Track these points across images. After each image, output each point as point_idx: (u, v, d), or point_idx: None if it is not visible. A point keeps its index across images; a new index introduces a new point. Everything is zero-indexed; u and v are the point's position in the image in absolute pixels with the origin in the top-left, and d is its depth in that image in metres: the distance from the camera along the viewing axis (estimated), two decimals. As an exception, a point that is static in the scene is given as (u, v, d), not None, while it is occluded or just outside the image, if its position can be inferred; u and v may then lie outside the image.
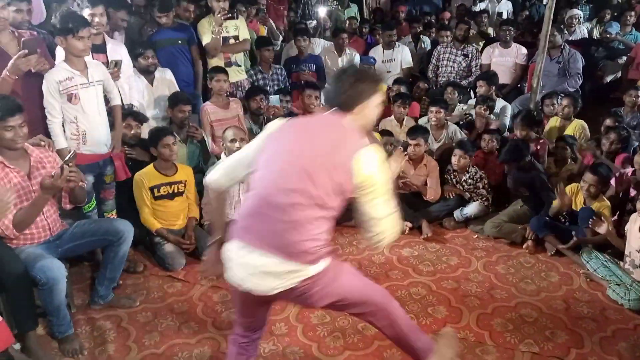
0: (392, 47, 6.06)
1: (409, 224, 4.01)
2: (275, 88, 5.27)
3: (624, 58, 6.10)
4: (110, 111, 3.42)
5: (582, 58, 5.57)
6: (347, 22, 6.96)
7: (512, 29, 5.93)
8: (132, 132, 3.73)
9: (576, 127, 4.59)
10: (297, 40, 5.56)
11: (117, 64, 3.60)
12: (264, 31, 6.02)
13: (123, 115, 3.61)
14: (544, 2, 4.29)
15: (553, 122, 4.71)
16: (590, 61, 6.13)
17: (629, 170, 3.71)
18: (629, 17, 6.70)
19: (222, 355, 2.69)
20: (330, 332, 2.86)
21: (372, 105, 2.03)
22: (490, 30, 7.11)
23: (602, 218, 3.34)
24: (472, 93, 5.90)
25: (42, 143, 2.93)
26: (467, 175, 4.19)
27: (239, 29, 4.99)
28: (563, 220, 3.75)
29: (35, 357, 2.62)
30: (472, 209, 4.05)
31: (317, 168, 1.85)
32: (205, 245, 3.60)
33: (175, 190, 3.66)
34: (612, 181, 3.71)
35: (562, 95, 4.91)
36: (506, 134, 4.81)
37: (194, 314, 3.05)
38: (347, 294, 2.04)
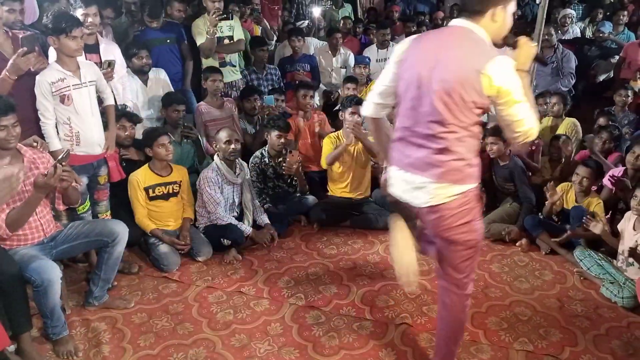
0: (386, 47, 6.06)
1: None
2: (270, 88, 5.26)
3: (617, 57, 6.13)
4: (104, 111, 3.40)
5: (575, 57, 5.60)
6: (341, 21, 6.97)
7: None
8: (127, 133, 3.71)
9: (568, 125, 4.62)
10: (292, 40, 5.56)
11: (111, 64, 3.58)
12: (258, 31, 6.02)
13: (117, 116, 3.59)
14: (537, 2, 4.30)
15: (546, 121, 4.74)
16: (583, 60, 6.17)
17: (620, 169, 3.73)
18: (621, 17, 6.75)
19: (217, 355, 2.69)
20: (326, 332, 2.86)
21: (506, 12, 2.01)
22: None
23: (597, 217, 3.36)
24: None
25: (35, 144, 2.91)
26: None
27: (233, 29, 4.99)
28: (556, 220, 3.77)
29: (30, 359, 2.61)
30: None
31: (449, 93, 1.94)
32: (199, 247, 3.61)
33: (170, 191, 3.66)
34: (607, 181, 3.73)
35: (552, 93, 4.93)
36: None
37: (189, 315, 3.04)
38: (472, 236, 2.12)
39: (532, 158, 4.27)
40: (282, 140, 4.10)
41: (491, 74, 1.89)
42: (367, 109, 2.31)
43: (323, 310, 3.05)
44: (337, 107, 5.01)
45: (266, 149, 4.19)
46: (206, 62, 4.77)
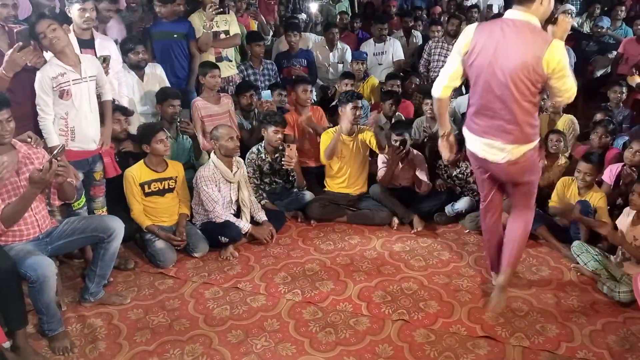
0: (384, 40, 6.06)
1: (396, 220, 4.03)
2: (267, 83, 5.25)
3: (614, 52, 6.12)
4: (101, 106, 3.37)
5: (573, 53, 5.58)
6: (338, 16, 6.94)
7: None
8: (122, 127, 3.69)
9: (566, 122, 4.61)
10: (288, 35, 5.54)
11: (106, 59, 3.55)
12: (254, 26, 5.99)
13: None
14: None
15: (544, 118, 4.72)
16: (581, 55, 6.16)
17: (618, 166, 3.73)
18: (619, 12, 6.74)
19: (214, 352, 2.69)
20: (322, 327, 2.86)
21: None
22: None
23: (602, 218, 3.34)
24: (463, 88, 5.90)
25: (29, 140, 2.89)
26: (458, 170, 4.20)
27: (229, 23, 4.99)
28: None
29: (25, 356, 2.60)
30: (463, 204, 4.05)
31: (514, 80, 2.47)
32: (196, 242, 3.60)
33: (166, 187, 3.64)
34: (606, 177, 3.73)
35: None
36: None
37: (186, 311, 3.04)
38: (537, 175, 2.87)
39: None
40: (280, 135, 4.08)
41: (550, 57, 2.41)
42: (438, 91, 2.76)
43: (320, 306, 3.05)
44: (334, 103, 5.00)
45: (262, 144, 4.18)
46: (202, 57, 4.75)
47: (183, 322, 2.93)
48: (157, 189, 3.61)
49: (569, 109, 4.82)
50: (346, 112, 4.07)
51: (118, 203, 3.59)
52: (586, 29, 7.25)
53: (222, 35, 4.92)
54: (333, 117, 4.79)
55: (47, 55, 3.18)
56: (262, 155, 4.16)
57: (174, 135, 4.12)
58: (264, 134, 4.14)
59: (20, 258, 2.59)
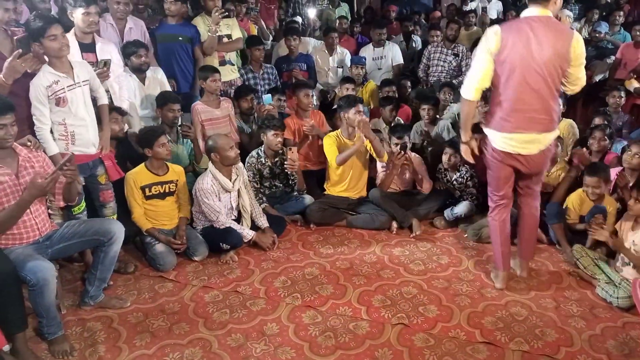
0: (383, 45, 6.08)
1: (395, 225, 4.04)
2: (266, 87, 5.27)
3: (613, 58, 6.14)
4: (97, 111, 3.36)
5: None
6: (338, 21, 6.97)
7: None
8: (120, 126, 3.70)
9: (565, 127, 4.62)
10: (287, 39, 5.56)
11: (107, 63, 3.57)
12: (254, 30, 6.01)
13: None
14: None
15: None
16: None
17: (618, 169, 3.74)
18: (617, 17, 6.76)
19: (214, 355, 2.69)
20: (322, 331, 2.86)
21: None
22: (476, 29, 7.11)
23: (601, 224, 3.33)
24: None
25: (29, 143, 2.90)
26: (458, 174, 4.21)
27: (231, 27, 5.02)
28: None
29: (25, 359, 2.60)
30: (462, 208, 4.06)
31: (549, 69, 2.71)
32: (196, 246, 3.60)
33: (167, 190, 3.65)
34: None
35: None
36: None
37: (185, 315, 3.04)
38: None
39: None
40: (279, 139, 4.09)
41: (575, 44, 2.70)
42: (470, 93, 2.85)
43: (319, 310, 3.05)
44: (334, 107, 5.02)
45: (262, 148, 4.19)
46: (206, 61, 4.78)
47: (183, 326, 2.93)
48: (158, 192, 3.61)
49: (568, 113, 4.84)
50: (348, 117, 4.08)
51: (118, 206, 3.59)
52: (584, 34, 7.27)
53: (225, 39, 4.95)
54: (332, 121, 4.81)
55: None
56: (262, 159, 4.17)
57: (174, 139, 4.13)
58: (263, 138, 4.14)
59: (20, 261, 2.59)
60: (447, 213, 4.11)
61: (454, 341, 2.77)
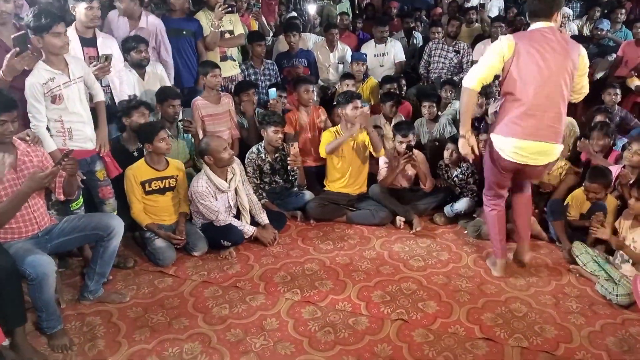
0: (385, 42, 6.07)
1: (402, 219, 4.04)
2: (267, 83, 5.26)
3: (614, 55, 6.13)
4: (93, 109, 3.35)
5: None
6: (339, 17, 6.95)
7: (503, 25, 5.95)
8: (146, 120, 3.73)
9: (566, 125, 4.60)
10: (287, 35, 5.55)
11: (108, 58, 3.55)
12: (255, 26, 6.00)
13: (136, 105, 3.65)
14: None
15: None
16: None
17: (618, 167, 3.73)
18: (619, 15, 6.75)
19: (213, 350, 2.69)
20: (321, 327, 2.86)
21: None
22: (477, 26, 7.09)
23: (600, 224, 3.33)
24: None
25: (28, 138, 2.89)
26: (459, 170, 4.21)
27: (233, 23, 5.02)
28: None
29: (24, 353, 2.60)
30: (462, 204, 4.06)
31: (564, 77, 2.82)
32: (195, 241, 3.60)
33: (167, 185, 3.64)
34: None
35: None
36: None
37: (185, 310, 3.04)
38: None
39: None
40: (280, 135, 4.09)
41: (583, 54, 2.91)
42: (473, 81, 2.88)
43: (319, 306, 3.05)
44: (334, 103, 5.01)
45: (262, 144, 4.18)
46: (208, 56, 4.78)
47: (182, 321, 2.93)
48: (158, 187, 3.61)
49: (569, 111, 4.81)
50: (346, 113, 4.08)
51: (117, 200, 3.58)
52: (586, 31, 7.26)
53: (227, 35, 4.95)
54: (331, 117, 4.80)
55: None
56: (262, 155, 4.17)
57: (174, 134, 4.13)
58: (263, 134, 4.14)
59: (19, 256, 2.59)
60: (447, 209, 4.11)
61: (453, 337, 2.77)
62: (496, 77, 3.03)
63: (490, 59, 2.88)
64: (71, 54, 3.22)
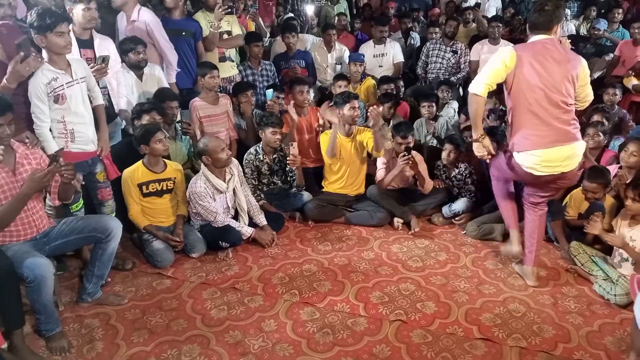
0: (383, 43, 6.06)
1: (401, 220, 4.04)
2: (265, 84, 5.27)
3: (611, 55, 6.14)
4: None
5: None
6: (336, 18, 6.95)
7: (500, 25, 5.96)
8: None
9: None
10: (285, 37, 5.55)
11: (105, 59, 3.55)
12: (252, 27, 6.01)
13: (148, 109, 3.67)
14: (532, -1, 4.32)
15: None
16: (578, 58, 6.17)
17: (615, 167, 3.74)
18: (616, 14, 6.76)
19: (211, 352, 2.69)
20: (320, 328, 2.86)
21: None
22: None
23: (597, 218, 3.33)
24: (461, 90, 5.92)
25: (27, 141, 2.89)
26: (457, 171, 4.21)
27: (231, 24, 5.03)
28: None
29: (22, 356, 2.60)
30: (460, 205, 4.07)
31: (564, 86, 2.86)
32: (193, 243, 3.60)
33: (164, 188, 3.64)
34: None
35: None
36: None
37: (183, 311, 3.04)
38: None
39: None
40: (278, 136, 4.09)
41: (584, 65, 2.95)
42: (480, 88, 2.90)
43: (317, 307, 3.05)
44: (331, 104, 5.01)
45: (260, 145, 4.18)
46: (207, 57, 4.78)
47: (181, 323, 2.93)
48: (156, 189, 3.60)
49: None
50: (344, 113, 4.08)
51: (115, 202, 3.57)
52: (583, 31, 7.27)
53: (225, 36, 4.95)
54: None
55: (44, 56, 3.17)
56: (260, 156, 4.17)
57: (172, 135, 4.12)
58: (261, 135, 4.14)
59: (17, 258, 2.59)
60: (445, 210, 4.11)
61: (451, 337, 2.77)
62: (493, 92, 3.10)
63: (494, 65, 2.90)
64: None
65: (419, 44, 6.72)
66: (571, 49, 4.04)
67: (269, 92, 4.69)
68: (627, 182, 3.39)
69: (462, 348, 2.69)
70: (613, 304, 3.02)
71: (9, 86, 2.88)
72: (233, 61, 5.11)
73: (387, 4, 7.94)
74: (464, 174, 4.19)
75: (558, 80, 2.85)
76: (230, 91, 4.85)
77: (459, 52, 5.99)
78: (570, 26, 7.15)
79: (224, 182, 3.69)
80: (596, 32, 6.51)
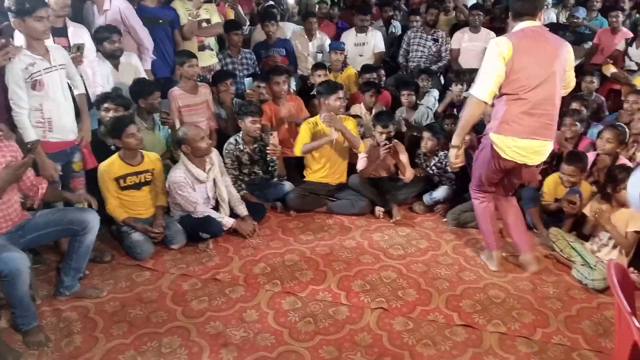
0: (365, 31, 6.03)
1: (382, 209, 4.04)
2: (245, 72, 5.21)
3: (590, 43, 6.19)
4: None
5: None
6: (317, 6, 6.89)
7: (481, 13, 5.96)
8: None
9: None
10: (265, 25, 5.49)
11: (80, 48, 3.48)
12: (231, 15, 5.92)
13: (113, 98, 3.60)
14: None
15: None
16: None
17: (593, 154, 3.78)
18: (595, 3, 6.81)
19: (192, 343, 2.67)
20: (302, 317, 2.86)
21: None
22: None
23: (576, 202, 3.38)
24: (442, 78, 5.92)
25: (1, 133, 2.82)
26: (436, 159, 4.22)
27: (210, 12, 4.95)
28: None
29: (-2, 351, 2.56)
30: (440, 193, 4.09)
31: (558, 74, 2.83)
32: (173, 234, 3.56)
33: (142, 180, 3.57)
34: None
35: None
36: None
37: (163, 303, 3.01)
38: None
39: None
40: (257, 125, 4.05)
41: (570, 50, 2.93)
42: (486, 96, 2.82)
43: (299, 296, 3.05)
44: (313, 92, 4.98)
45: (240, 135, 4.14)
46: (185, 46, 4.72)
47: (161, 315, 2.90)
48: (133, 182, 3.53)
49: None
50: (329, 103, 4.05)
51: (94, 195, 3.51)
52: (562, 19, 7.31)
53: (204, 24, 4.88)
54: (310, 107, 4.78)
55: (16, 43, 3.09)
56: (241, 146, 4.13)
57: (151, 126, 4.05)
58: (241, 125, 4.09)
59: (-8, 252, 2.53)
60: (426, 198, 4.13)
61: (432, 324, 2.79)
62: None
63: (494, 67, 2.79)
64: None
65: (400, 32, 6.70)
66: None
67: (248, 81, 4.64)
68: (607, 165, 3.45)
69: (443, 335, 2.71)
70: (591, 289, 3.06)
71: None
72: (212, 50, 5.05)
73: (368, -8, 7.88)
74: (443, 162, 4.20)
75: (552, 70, 2.80)
76: (210, 80, 4.79)
77: (439, 40, 5.98)
78: (551, 14, 7.17)
79: (204, 171, 3.65)
80: (575, 20, 6.54)
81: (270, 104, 4.56)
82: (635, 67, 5.54)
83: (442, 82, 5.93)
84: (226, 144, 4.14)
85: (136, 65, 4.20)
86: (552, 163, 3.83)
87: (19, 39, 3.15)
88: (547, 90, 2.81)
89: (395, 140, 4.23)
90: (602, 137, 3.66)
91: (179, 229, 3.62)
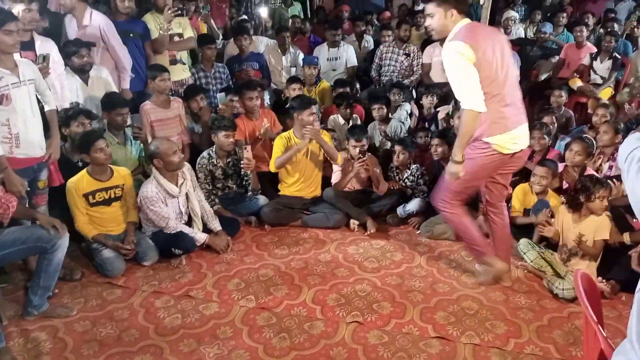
0: (337, 46, 6.09)
1: (357, 222, 4.06)
2: (218, 86, 5.20)
3: (557, 57, 6.37)
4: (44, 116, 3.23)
5: (518, 58, 5.77)
6: (290, 20, 6.94)
7: (451, 28, 6.05)
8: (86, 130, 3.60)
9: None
10: (237, 39, 5.50)
11: (45, 58, 3.42)
12: (204, 29, 5.93)
13: (74, 114, 3.53)
14: (481, 3, 4.40)
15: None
16: (526, 60, 6.39)
17: (561, 166, 3.87)
18: (561, 18, 7.03)
19: (165, 362, 2.62)
20: (277, 333, 2.83)
21: None
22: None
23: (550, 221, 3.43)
24: (414, 92, 6.00)
25: None
26: (409, 172, 4.27)
27: (183, 26, 4.94)
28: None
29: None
30: (414, 205, 4.12)
31: (510, 62, 2.90)
32: (145, 251, 3.50)
33: (112, 196, 3.51)
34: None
35: None
36: None
37: (135, 321, 2.95)
38: None
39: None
40: (231, 139, 4.04)
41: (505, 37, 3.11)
42: (482, 105, 2.75)
43: (274, 312, 3.03)
44: (287, 106, 4.99)
45: (214, 149, 4.12)
46: (157, 60, 4.69)
47: (133, 333, 2.85)
48: (103, 198, 3.47)
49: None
50: (302, 118, 4.06)
51: (63, 212, 3.44)
52: (530, 34, 7.51)
53: (176, 38, 4.86)
54: (285, 121, 4.78)
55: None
56: (214, 160, 4.10)
57: (122, 140, 4.00)
58: (214, 139, 4.07)
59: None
60: (399, 210, 4.16)
61: (407, 337, 2.80)
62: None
63: (470, 74, 2.72)
64: None
65: (372, 47, 6.78)
66: (518, 51, 4.20)
67: (221, 95, 4.63)
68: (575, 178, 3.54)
69: (418, 347, 2.72)
70: (561, 299, 3.11)
71: None
72: (185, 64, 5.03)
73: (341, 7, 7.99)
74: (416, 175, 4.25)
75: (506, 60, 2.85)
76: (182, 94, 4.76)
77: (411, 55, 6.06)
78: (519, 29, 7.36)
79: (177, 186, 3.61)
80: (542, 35, 6.74)
81: (243, 118, 4.55)
82: (600, 81, 5.74)
83: (414, 95, 6.01)
84: (199, 158, 4.12)
85: (106, 79, 4.16)
86: (521, 175, 3.90)
87: None
88: (509, 79, 2.87)
89: (369, 154, 4.26)
90: (570, 150, 3.75)
91: (150, 245, 3.57)
